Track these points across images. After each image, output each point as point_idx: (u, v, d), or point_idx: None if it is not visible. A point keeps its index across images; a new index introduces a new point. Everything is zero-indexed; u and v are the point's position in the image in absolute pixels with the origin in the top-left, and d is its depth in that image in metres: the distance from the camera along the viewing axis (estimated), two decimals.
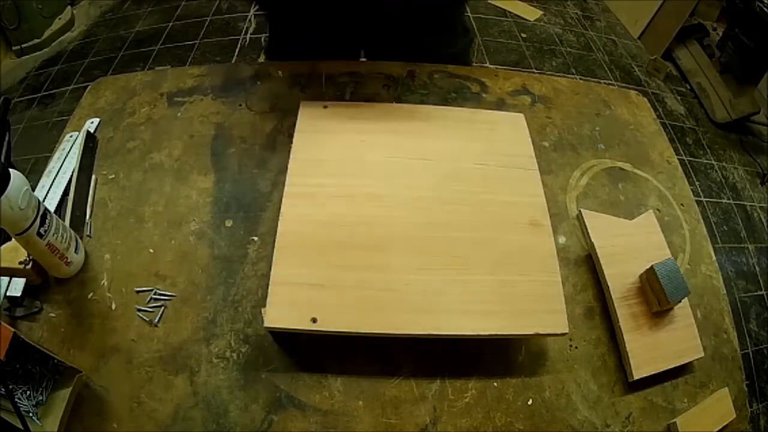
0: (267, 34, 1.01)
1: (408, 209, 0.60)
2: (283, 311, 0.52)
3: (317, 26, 0.87)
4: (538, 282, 0.56)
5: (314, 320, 0.51)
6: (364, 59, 0.96)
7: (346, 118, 0.69)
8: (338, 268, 0.55)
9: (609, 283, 0.62)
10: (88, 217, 0.65)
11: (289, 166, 0.63)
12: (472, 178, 0.64)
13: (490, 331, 0.53)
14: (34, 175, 0.63)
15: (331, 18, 0.83)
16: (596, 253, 0.64)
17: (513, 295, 0.55)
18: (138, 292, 0.60)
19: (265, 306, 0.53)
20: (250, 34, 2.28)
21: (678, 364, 0.58)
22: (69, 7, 2.32)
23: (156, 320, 0.58)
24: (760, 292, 1.66)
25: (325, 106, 0.70)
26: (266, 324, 0.52)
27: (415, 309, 0.53)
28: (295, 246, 0.56)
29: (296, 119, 0.69)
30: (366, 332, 0.52)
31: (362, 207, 0.60)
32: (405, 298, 0.54)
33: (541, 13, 2.52)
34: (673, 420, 0.56)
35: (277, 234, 0.57)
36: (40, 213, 0.52)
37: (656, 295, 0.59)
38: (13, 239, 0.54)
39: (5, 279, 0.58)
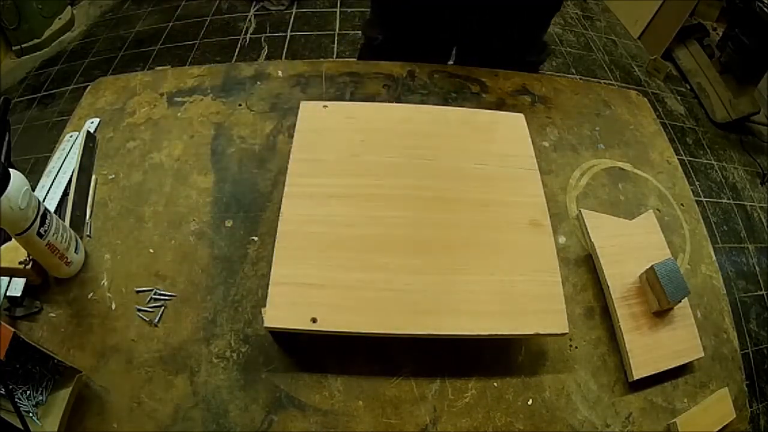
0: (364, 34, 1.03)
1: (408, 209, 0.60)
2: (283, 311, 0.52)
3: (423, 23, 0.91)
4: (538, 282, 0.56)
5: (314, 320, 0.51)
6: (451, 62, 1.00)
7: (346, 118, 0.69)
8: (338, 268, 0.55)
9: (609, 283, 0.62)
10: (88, 217, 0.65)
11: (289, 166, 0.63)
12: (472, 178, 0.64)
13: (490, 331, 0.53)
14: (34, 175, 0.63)
15: (438, 14, 0.88)
16: (596, 253, 0.64)
17: (513, 295, 0.55)
18: (138, 292, 0.60)
19: (265, 306, 0.53)
20: (250, 34, 2.28)
21: (678, 364, 0.58)
22: (69, 7, 2.32)
23: (156, 320, 0.58)
24: (760, 292, 1.66)
25: (325, 106, 0.70)
26: (266, 324, 0.52)
27: (415, 309, 0.53)
28: (295, 246, 0.56)
29: (296, 119, 0.68)
30: (366, 332, 0.52)
31: (362, 207, 0.60)
32: (405, 298, 0.54)
33: None
34: (673, 420, 0.56)
35: (277, 234, 0.57)
36: (40, 213, 0.52)
37: (656, 295, 0.59)
38: (13, 239, 0.54)
39: (5, 279, 0.58)
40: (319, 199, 0.60)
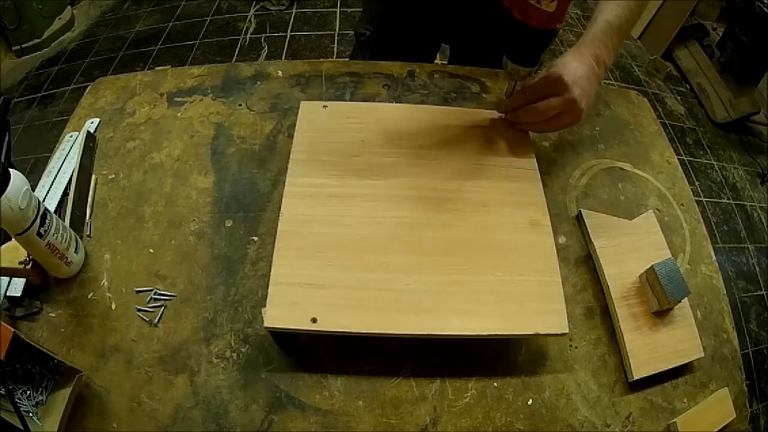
0: (357, 34, 1.05)
1: (408, 209, 0.60)
2: (283, 311, 0.52)
3: (410, 17, 0.93)
4: (538, 282, 0.56)
5: (314, 320, 0.51)
6: (444, 62, 1.01)
7: (346, 118, 0.69)
8: (338, 268, 0.55)
9: (609, 283, 0.62)
10: (88, 217, 0.65)
11: (289, 166, 0.63)
12: (472, 178, 0.64)
13: (490, 331, 0.53)
14: (34, 175, 0.63)
15: (425, 8, 0.90)
16: (596, 253, 0.64)
17: (513, 295, 0.55)
18: (138, 292, 0.60)
19: (265, 306, 0.53)
20: (250, 34, 2.28)
21: (678, 364, 0.58)
22: (69, 7, 2.32)
23: (156, 320, 0.58)
24: (760, 292, 1.66)
25: (325, 106, 0.70)
26: (266, 324, 0.52)
27: (415, 309, 0.53)
28: (295, 246, 0.56)
29: (296, 119, 0.69)
30: (366, 332, 0.52)
31: (362, 207, 0.60)
32: (405, 298, 0.54)
33: None
34: (673, 420, 0.56)
35: (277, 234, 0.57)
36: (40, 213, 0.52)
37: (656, 295, 0.59)
38: (13, 239, 0.54)
39: (5, 279, 0.58)
40: (319, 199, 0.60)
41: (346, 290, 0.54)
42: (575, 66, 0.62)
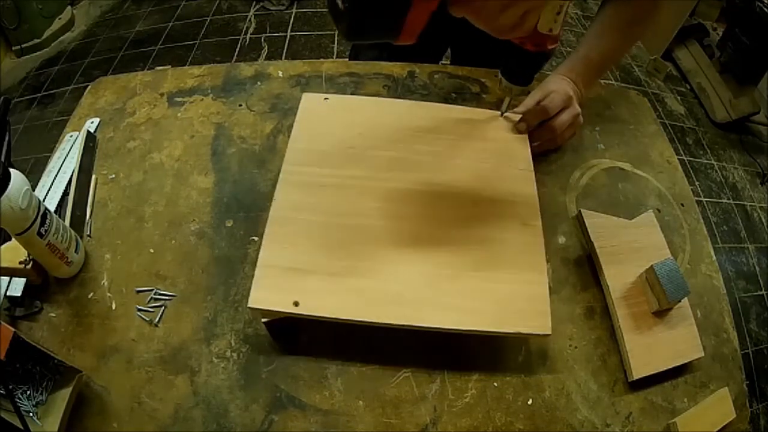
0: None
1: (399, 202, 0.60)
2: (267, 293, 0.52)
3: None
4: (524, 282, 0.56)
5: (296, 304, 0.51)
6: (446, 62, 1.02)
7: (346, 112, 0.69)
8: (325, 256, 0.55)
9: (609, 283, 0.62)
10: (88, 217, 0.65)
11: (286, 154, 0.63)
12: (466, 176, 0.64)
13: (472, 326, 0.52)
14: (34, 175, 0.63)
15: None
16: (596, 253, 0.64)
17: (498, 293, 0.54)
18: (138, 292, 0.60)
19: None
20: (250, 34, 2.28)
21: (678, 364, 0.58)
22: (69, 7, 2.32)
23: (156, 320, 0.58)
24: (760, 292, 1.66)
25: (326, 99, 0.70)
26: (249, 304, 0.52)
27: (399, 300, 0.53)
28: (285, 231, 0.56)
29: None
30: (346, 319, 0.51)
31: (355, 198, 0.60)
32: (389, 288, 0.53)
33: None
34: (673, 420, 0.56)
35: (269, 218, 0.57)
36: (41, 213, 0.52)
37: (656, 295, 0.59)
38: (13, 239, 0.54)
39: (5, 279, 0.58)
40: (312, 188, 0.60)
41: (331, 277, 0.54)
42: (566, 86, 0.71)
